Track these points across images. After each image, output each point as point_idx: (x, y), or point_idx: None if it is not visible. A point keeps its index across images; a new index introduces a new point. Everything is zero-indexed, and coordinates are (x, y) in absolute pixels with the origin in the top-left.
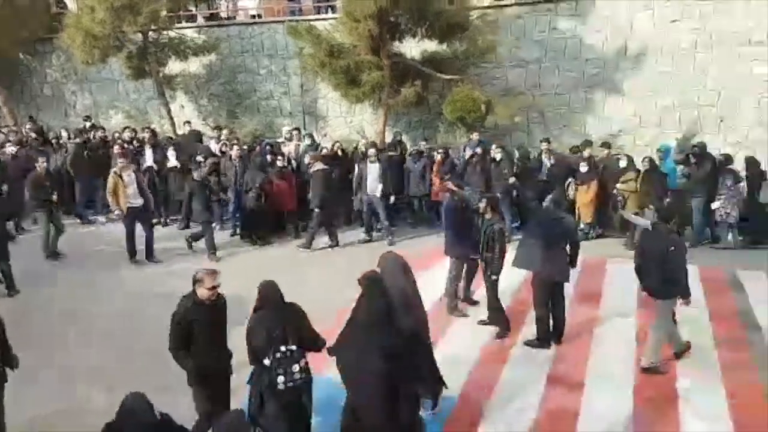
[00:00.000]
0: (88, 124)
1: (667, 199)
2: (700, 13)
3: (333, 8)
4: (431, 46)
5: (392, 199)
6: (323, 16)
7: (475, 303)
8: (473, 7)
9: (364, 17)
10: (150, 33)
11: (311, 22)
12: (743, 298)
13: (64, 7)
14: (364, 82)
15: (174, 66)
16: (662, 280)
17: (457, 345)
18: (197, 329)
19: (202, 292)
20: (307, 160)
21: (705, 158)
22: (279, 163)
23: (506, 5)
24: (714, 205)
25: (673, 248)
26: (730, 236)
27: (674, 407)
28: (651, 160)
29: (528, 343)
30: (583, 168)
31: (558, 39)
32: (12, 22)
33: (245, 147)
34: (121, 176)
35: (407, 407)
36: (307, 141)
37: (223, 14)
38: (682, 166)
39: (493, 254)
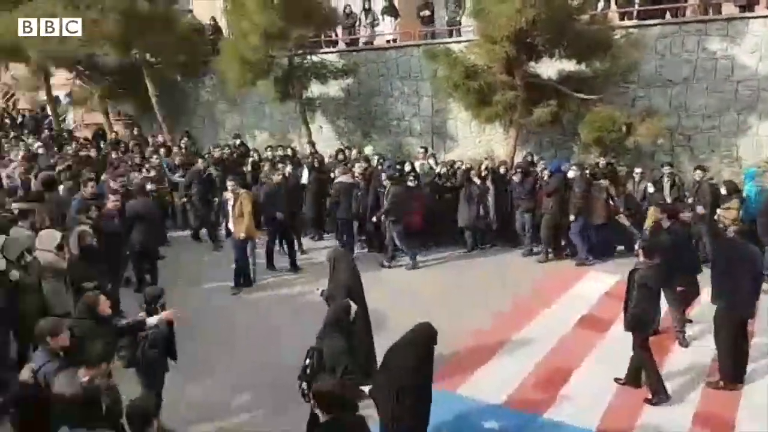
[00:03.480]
0: (237, 142)
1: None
2: None
3: (459, 31)
4: (569, 65)
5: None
6: (456, 39)
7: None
8: (616, 26)
9: (501, 39)
10: (295, 58)
11: (446, 45)
12: None
13: (219, 33)
14: (496, 102)
15: (315, 89)
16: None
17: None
18: None
19: None
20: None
21: None
22: (410, 183)
23: (652, 24)
24: None
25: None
26: None
27: None
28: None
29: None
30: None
31: (707, 59)
32: (173, 47)
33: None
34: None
35: None
36: (431, 161)
37: (362, 40)
38: None
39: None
